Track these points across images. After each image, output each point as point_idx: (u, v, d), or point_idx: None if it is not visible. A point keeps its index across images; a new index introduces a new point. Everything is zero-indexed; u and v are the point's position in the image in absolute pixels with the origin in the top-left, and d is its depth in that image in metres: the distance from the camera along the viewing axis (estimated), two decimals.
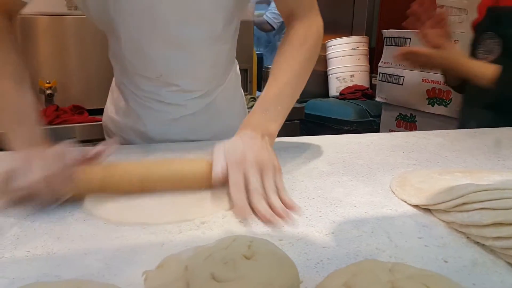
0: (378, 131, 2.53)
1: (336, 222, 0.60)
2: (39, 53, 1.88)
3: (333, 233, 0.57)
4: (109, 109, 1.12)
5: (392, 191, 0.72)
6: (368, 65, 3.39)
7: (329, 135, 1.13)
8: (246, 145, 0.69)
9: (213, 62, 0.98)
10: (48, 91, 1.89)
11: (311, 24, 0.90)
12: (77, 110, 1.92)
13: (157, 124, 1.03)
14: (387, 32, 2.32)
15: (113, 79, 1.10)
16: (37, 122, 0.73)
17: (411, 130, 2.24)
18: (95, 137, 1.82)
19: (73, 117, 1.85)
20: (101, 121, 1.90)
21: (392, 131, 2.35)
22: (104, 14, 0.85)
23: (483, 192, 0.58)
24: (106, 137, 1.16)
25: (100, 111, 2.00)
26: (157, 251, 0.52)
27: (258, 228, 0.58)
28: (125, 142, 1.07)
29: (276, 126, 0.79)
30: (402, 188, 0.71)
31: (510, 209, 0.53)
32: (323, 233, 0.57)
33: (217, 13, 0.87)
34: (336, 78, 3.37)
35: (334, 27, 3.44)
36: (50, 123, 1.79)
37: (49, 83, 1.89)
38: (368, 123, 2.86)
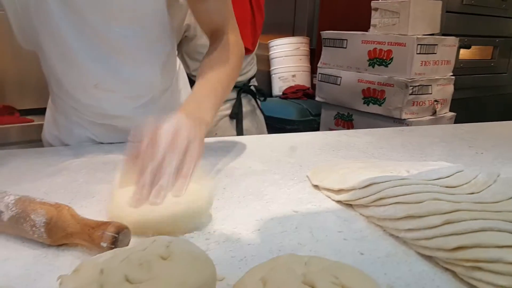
0: (318, 130, 2.60)
1: (263, 220, 0.62)
2: None
3: (259, 230, 0.59)
4: (51, 128, 1.06)
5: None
6: (309, 65, 3.46)
7: (269, 134, 1.16)
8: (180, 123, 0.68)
9: (150, 65, 0.93)
10: None
11: (237, 40, 0.94)
12: (7, 110, 1.83)
13: (107, 137, 1.01)
14: (325, 34, 2.38)
15: (49, 97, 1.05)
16: None
17: (348, 128, 2.32)
18: (27, 139, 1.75)
19: (3, 117, 1.77)
20: (33, 121, 1.84)
21: (331, 129, 2.42)
22: (27, 27, 0.83)
23: (398, 187, 0.62)
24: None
25: (33, 111, 1.93)
26: (79, 255, 0.51)
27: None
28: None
29: (211, 116, 0.79)
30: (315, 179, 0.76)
31: (420, 202, 0.57)
32: (249, 230, 0.59)
33: (151, 15, 0.85)
34: (279, 78, 3.42)
35: (277, 28, 3.49)
36: None
37: None
38: (309, 122, 2.92)
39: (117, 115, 0.96)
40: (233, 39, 0.92)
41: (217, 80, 0.85)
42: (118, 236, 0.48)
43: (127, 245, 0.50)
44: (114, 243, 0.47)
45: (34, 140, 1.74)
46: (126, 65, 0.89)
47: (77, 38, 0.83)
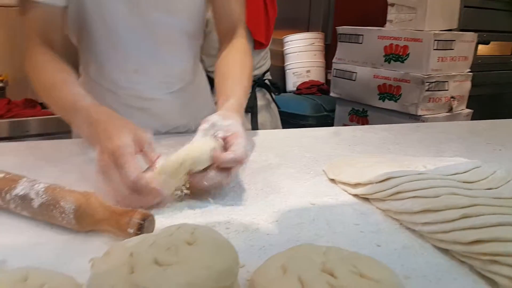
0: (332, 126, 2.60)
1: (280, 211, 0.64)
2: None
3: (277, 221, 0.61)
4: None
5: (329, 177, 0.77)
6: (324, 61, 3.46)
7: (283, 129, 1.17)
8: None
9: (186, 54, 1.03)
10: (0, 84, 1.84)
11: (248, 44, 1.01)
12: (30, 103, 1.88)
13: (139, 123, 1.05)
14: (341, 29, 2.38)
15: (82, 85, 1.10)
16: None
17: (363, 124, 2.32)
18: (48, 131, 1.79)
19: (25, 110, 1.81)
20: (54, 114, 1.88)
21: (345, 125, 2.42)
22: (77, 11, 0.88)
23: (415, 182, 0.63)
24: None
25: None
26: (105, 240, 0.53)
27: (208, 217, 0.61)
28: None
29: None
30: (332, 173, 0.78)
31: (437, 197, 0.58)
32: (268, 221, 0.60)
33: (195, 7, 0.95)
34: (293, 73, 3.43)
35: (291, 23, 3.49)
36: (2, 117, 1.75)
37: (0, 76, 1.84)
38: (323, 118, 2.92)
39: (152, 97, 1.02)
40: (245, 41, 1.00)
41: (246, 85, 0.90)
42: (144, 223, 0.50)
43: (152, 231, 0.52)
44: (140, 229, 0.49)
45: (55, 133, 1.78)
46: (167, 53, 0.98)
47: (127, 24, 0.90)
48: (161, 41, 0.95)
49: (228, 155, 0.65)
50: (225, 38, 0.99)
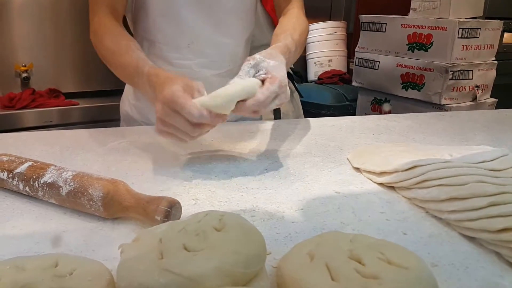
0: (354, 115, 2.57)
1: (305, 200, 0.64)
2: (15, 35, 1.86)
3: (302, 209, 0.61)
4: (130, 97, 1.12)
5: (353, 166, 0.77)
6: (345, 50, 3.42)
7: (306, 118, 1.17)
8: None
9: (239, 36, 1.05)
10: (24, 75, 1.87)
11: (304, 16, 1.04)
12: (54, 93, 1.91)
13: None
14: (364, 17, 2.34)
15: None
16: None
17: (385, 114, 2.29)
18: (71, 121, 1.82)
19: (49, 100, 1.84)
20: (77, 104, 1.91)
21: (367, 115, 2.39)
22: None
23: (442, 170, 0.62)
24: (123, 124, 1.15)
25: (76, 95, 2.01)
26: (133, 227, 0.54)
27: (233, 206, 0.61)
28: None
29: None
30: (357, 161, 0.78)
31: (464, 185, 0.57)
32: (293, 209, 0.61)
33: None
34: (315, 63, 3.40)
35: (313, 12, 3.45)
36: (26, 107, 1.78)
37: (25, 66, 1.87)
38: (344, 107, 2.90)
39: (200, 76, 1.01)
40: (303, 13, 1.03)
41: (298, 37, 0.90)
42: (171, 210, 0.50)
43: (179, 218, 0.53)
44: (167, 216, 0.50)
45: (79, 123, 1.82)
46: (220, 31, 1.00)
47: None
48: (216, 18, 0.98)
49: (249, 102, 0.67)
50: (280, 9, 1.03)
